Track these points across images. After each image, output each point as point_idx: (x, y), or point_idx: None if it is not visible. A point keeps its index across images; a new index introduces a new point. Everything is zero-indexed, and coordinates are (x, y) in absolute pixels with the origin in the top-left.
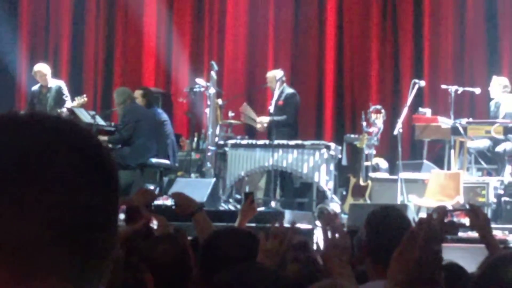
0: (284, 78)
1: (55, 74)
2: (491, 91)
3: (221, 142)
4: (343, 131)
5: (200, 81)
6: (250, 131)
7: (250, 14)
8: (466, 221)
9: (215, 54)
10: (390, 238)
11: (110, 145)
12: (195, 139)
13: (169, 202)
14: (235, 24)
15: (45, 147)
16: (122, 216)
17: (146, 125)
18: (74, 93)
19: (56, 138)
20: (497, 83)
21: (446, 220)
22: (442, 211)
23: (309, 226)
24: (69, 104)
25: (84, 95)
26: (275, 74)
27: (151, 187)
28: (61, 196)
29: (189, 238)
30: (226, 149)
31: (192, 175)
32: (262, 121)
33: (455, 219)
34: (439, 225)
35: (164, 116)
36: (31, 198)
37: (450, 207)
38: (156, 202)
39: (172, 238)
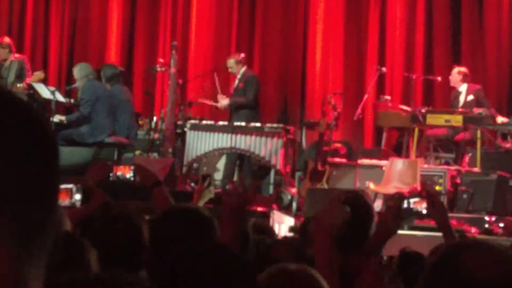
0: (243, 61)
1: (19, 49)
2: (451, 80)
3: (180, 122)
4: (303, 115)
5: (161, 60)
6: (210, 112)
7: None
8: (422, 208)
9: (180, 35)
10: None
11: (67, 122)
12: (154, 118)
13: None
14: (201, 7)
15: None
16: (78, 196)
17: (106, 103)
18: (37, 68)
19: None
20: (457, 72)
21: (402, 207)
22: (398, 198)
23: (265, 209)
24: (28, 79)
25: (42, 70)
26: (235, 58)
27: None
28: None
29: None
30: (185, 129)
31: (151, 154)
32: (222, 103)
33: (412, 206)
34: (396, 212)
35: (127, 95)
36: None
37: (406, 195)
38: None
39: (127, 218)
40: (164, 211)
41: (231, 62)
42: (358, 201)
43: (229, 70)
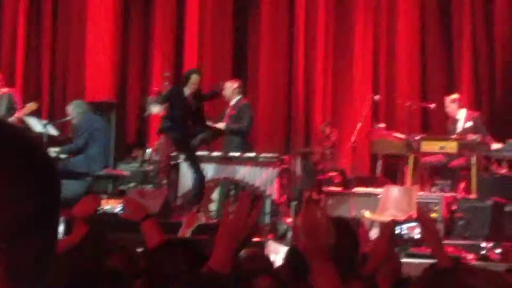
0: (241, 89)
1: (11, 81)
2: (447, 110)
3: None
4: (298, 144)
5: (157, 91)
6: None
7: (212, 24)
8: (416, 234)
9: (172, 65)
10: None
11: (62, 155)
12: (149, 150)
13: (118, 208)
14: (192, 35)
15: None
16: (61, 227)
17: (100, 135)
18: (30, 100)
19: None
20: (453, 99)
21: (396, 232)
22: (390, 224)
23: (261, 239)
24: (19, 113)
25: (35, 101)
26: (231, 84)
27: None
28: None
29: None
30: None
31: (145, 186)
32: (218, 127)
33: (405, 232)
34: (389, 236)
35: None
36: None
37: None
38: (105, 208)
39: (121, 248)
40: (159, 244)
41: (227, 86)
42: (342, 228)
43: (224, 93)
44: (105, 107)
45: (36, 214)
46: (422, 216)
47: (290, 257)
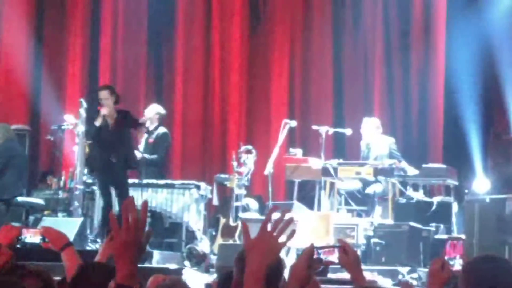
0: (161, 117)
1: None
2: (363, 132)
3: (90, 181)
4: (214, 171)
5: (69, 118)
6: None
7: (124, 49)
8: (335, 258)
9: (86, 91)
10: None
11: None
12: (63, 177)
13: (37, 238)
14: (106, 60)
15: None
16: None
17: (19, 162)
18: None
19: None
20: (368, 124)
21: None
22: (309, 248)
23: (177, 266)
24: None
25: None
26: (156, 108)
27: (17, 225)
28: None
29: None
30: (94, 188)
31: (59, 214)
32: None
33: (323, 256)
34: (307, 263)
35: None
36: None
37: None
38: (25, 238)
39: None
40: (80, 267)
41: (146, 114)
42: None
43: (145, 116)
44: (18, 133)
45: None
46: (341, 241)
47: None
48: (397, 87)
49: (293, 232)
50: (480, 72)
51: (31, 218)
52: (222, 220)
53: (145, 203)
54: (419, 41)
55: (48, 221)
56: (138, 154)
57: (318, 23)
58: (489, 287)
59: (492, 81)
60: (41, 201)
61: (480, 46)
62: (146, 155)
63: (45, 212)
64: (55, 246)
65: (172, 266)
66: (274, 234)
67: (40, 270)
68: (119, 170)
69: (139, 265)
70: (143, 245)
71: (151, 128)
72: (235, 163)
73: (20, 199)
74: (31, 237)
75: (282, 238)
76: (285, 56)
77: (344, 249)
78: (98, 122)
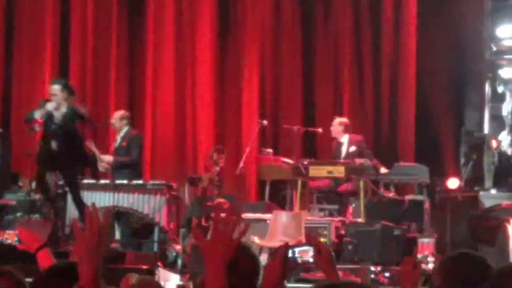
0: (129, 119)
1: None
2: (333, 131)
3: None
4: (186, 171)
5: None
6: (93, 171)
7: (94, 49)
8: (309, 257)
9: None
10: None
11: None
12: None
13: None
14: (78, 61)
15: None
16: None
17: None
18: None
19: None
20: (339, 124)
21: (288, 256)
22: (283, 247)
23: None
24: None
25: None
26: (119, 114)
27: None
28: None
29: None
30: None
31: (32, 215)
32: (105, 160)
33: (297, 255)
34: (282, 260)
35: None
36: None
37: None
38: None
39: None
40: (46, 270)
41: (115, 116)
42: (243, 252)
43: (112, 124)
44: None
45: None
46: (315, 240)
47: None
48: (367, 85)
49: (246, 227)
50: (451, 69)
51: (6, 219)
52: (194, 220)
53: (107, 209)
54: (390, 38)
55: (21, 223)
56: (109, 158)
57: (287, 22)
58: (465, 283)
59: (463, 78)
60: (13, 203)
61: (451, 43)
62: (119, 157)
63: (18, 214)
64: (29, 247)
65: (145, 266)
66: (226, 232)
67: (13, 270)
68: (66, 166)
69: (112, 266)
70: (106, 249)
71: (119, 132)
72: (206, 163)
73: None
74: (7, 239)
75: (235, 235)
76: (255, 55)
77: (318, 248)
78: (38, 114)
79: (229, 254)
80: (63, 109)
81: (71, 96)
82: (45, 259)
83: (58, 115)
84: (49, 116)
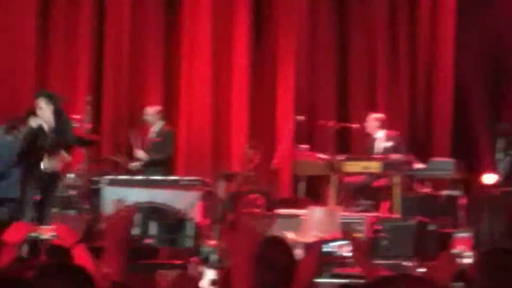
0: (162, 115)
1: None
2: (368, 127)
3: (97, 178)
4: (220, 167)
5: (76, 116)
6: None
7: (129, 48)
8: (346, 252)
9: (93, 89)
10: None
11: None
12: (71, 175)
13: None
14: (114, 59)
15: None
16: None
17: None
18: None
19: None
20: (373, 119)
21: (323, 251)
22: (318, 243)
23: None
24: None
25: None
26: (152, 110)
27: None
28: None
29: None
30: (101, 185)
31: (68, 211)
32: (140, 155)
33: (334, 250)
34: (317, 255)
35: None
36: None
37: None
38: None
39: None
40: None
41: (149, 112)
42: (279, 247)
43: (145, 119)
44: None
45: None
46: (351, 235)
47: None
48: (403, 80)
49: (271, 221)
50: (489, 65)
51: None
52: (229, 216)
53: (133, 205)
54: (427, 32)
55: (57, 218)
56: (142, 155)
57: (322, 18)
58: (504, 279)
59: (501, 74)
60: None
61: (489, 37)
62: (153, 155)
63: (55, 209)
64: (65, 243)
65: (179, 261)
66: (251, 225)
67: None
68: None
69: (146, 261)
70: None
71: (152, 127)
72: (241, 159)
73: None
74: (42, 234)
75: (260, 228)
76: (290, 51)
77: (355, 242)
78: (21, 132)
79: (253, 247)
80: (52, 121)
81: (58, 106)
82: (80, 255)
83: (46, 128)
84: (40, 132)
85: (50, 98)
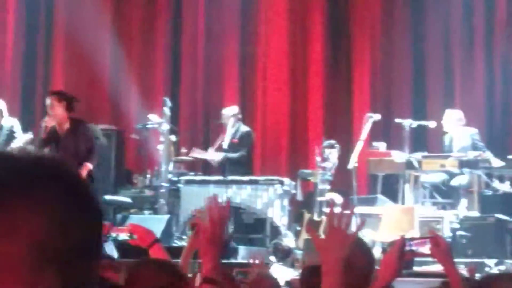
0: (239, 116)
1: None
2: (445, 124)
3: (174, 179)
4: (297, 166)
5: (153, 117)
6: (204, 167)
7: (205, 49)
8: (426, 249)
9: (169, 90)
10: None
11: None
12: (148, 176)
13: (124, 235)
14: (190, 59)
15: (29, 174)
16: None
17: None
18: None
19: (39, 167)
20: (451, 116)
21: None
22: (400, 241)
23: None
24: (18, 142)
25: (29, 133)
26: (229, 111)
27: (106, 223)
28: (48, 220)
29: None
30: (179, 185)
31: (146, 212)
32: (214, 158)
33: (414, 248)
34: (398, 254)
35: None
36: (18, 219)
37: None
38: (112, 235)
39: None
40: (136, 263)
41: (225, 113)
42: (357, 247)
43: (222, 120)
44: (104, 133)
45: (85, 241)
46: (433, 233)
47: (305, 276)
48: (479, 76)
49: (362, 223)
50: None
51: (118, 216)
52: (306, 215)
53: (227, 201)
54: (504, 28)
55: (134, 219)
56: (218, 156)
57: (397, 15)
58: None
59: None
60: (128, 199)
61: None
62: (230, 154)
63: (132, 210)
64: (142, 243)
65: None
66: (342, 228)
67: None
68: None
69: (225, 261)
70: (225, 241)
71: (230, 129)
72: (318, 158)
73: (107, 197)
74: (119, 234)
75: (351, 230)
76: (366, 48)
77: (436, 240)
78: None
79: (345, 250)
80: (67, 124)
81: (71, 107)
82: (158, 254)
83: (61, 132)
84: (53, 136)
85: (61, 97)
